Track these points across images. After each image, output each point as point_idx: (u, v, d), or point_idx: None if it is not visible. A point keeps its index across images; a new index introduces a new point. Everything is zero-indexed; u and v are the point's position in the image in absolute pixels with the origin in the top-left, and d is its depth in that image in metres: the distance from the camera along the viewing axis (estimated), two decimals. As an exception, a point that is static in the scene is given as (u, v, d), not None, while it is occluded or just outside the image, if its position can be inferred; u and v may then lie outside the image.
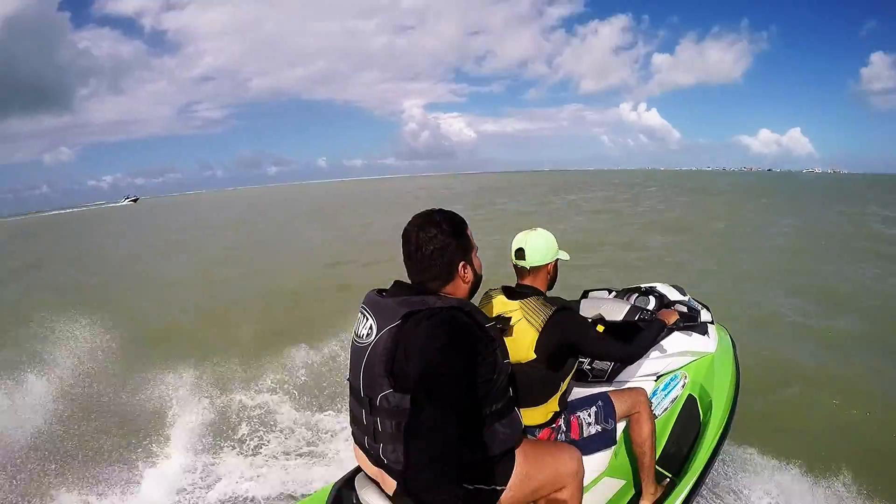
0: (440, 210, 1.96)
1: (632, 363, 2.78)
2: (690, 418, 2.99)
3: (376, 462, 1.88)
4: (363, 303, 1.93)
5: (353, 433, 2.00)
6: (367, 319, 1.85)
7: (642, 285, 3.68)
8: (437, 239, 1.87)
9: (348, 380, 1.94)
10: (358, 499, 2.01)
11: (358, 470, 2.12)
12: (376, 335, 1.79)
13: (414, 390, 1.66)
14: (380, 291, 1.94)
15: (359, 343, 1.87)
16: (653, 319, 2.86)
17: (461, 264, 1.92)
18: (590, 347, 2.40)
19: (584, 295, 3.64)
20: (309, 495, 2.28)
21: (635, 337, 2.58)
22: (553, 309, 2.32)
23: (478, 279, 2.03)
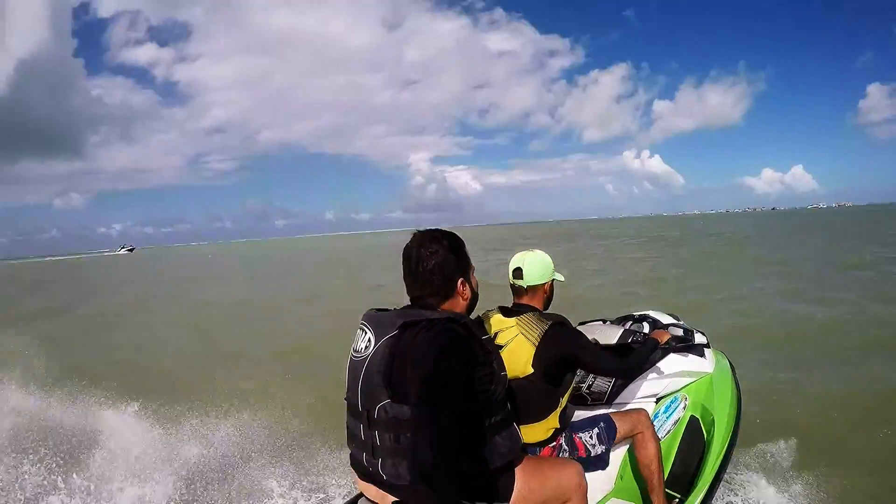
0: (438, 230, 2.02)
1: (628, 379, 2.78)
2: (694, 439, 2.97)
3: (375, 481, 1.87)
4: (362, 319, 1.95)
5: (351, 454, 1.99)
6: (366, 333, 1.88)
7: (635, 312, 3.70)
8: (438, 254, 1.91)
9: (346, 398, 1.95)
10: None
11: (360, 496, 2.10)
12: (374, 346, 1.81)
13: (413, 399, 1.68)
14: (378, 310, 1.97)
15: (356, 357, 1.88)
16: (646, 339, 2.88)
17: (460, 281, 1.97)
18: (587, 359, 2.42)
19: (579, 325, 3.63)
20: None
21: (631, 353, 2.61)
22: (549, 323, 2.37)
23: (475, 297, 2.07)
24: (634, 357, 2.59)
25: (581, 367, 2.50)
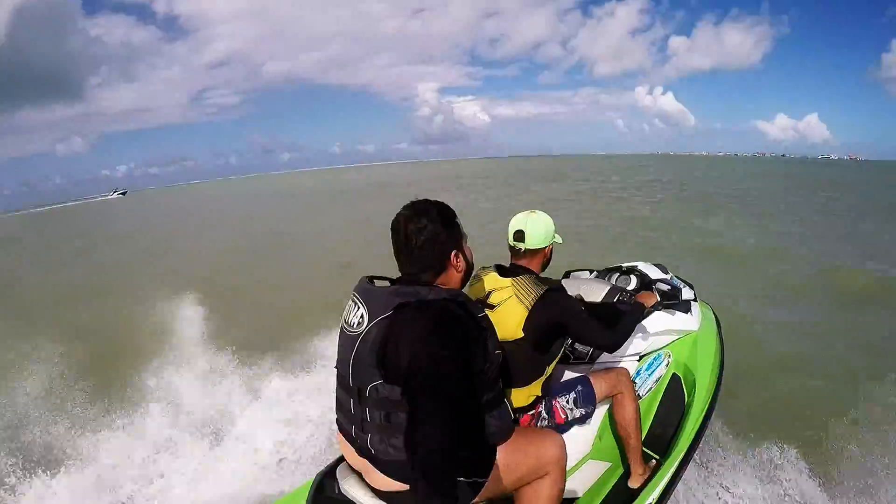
0: (429, 200, 1.95)
1: (613, 352, 2.72)
2: (675, 398, 3.01)
3: (362, 452, 1.89)
4: (354, 290, 1.91)
5: (337, 421, 2.01)
6: (359, 308, 1.83)
7: (623, 265, 3.68)
8: (428, 229, 1.86)
9: (336, 367, 1.94)
10: (339, 489, 2.02)
11: (341, 460, 2.13)
12: (367, 325, 1.78)
13: (408, 384, 1.67)
14: (371, 279, 1.93)
15: (349, 331, 1.85)
16: (632, 303, 2.86)
17: (453, 253, 1.91)
18: (578, 329, 2.40)
19: (566, 275, 3.64)
20: (297, 488, 2.30)
21: (619, 324, 2.57)
22: (545, 288, 2.33)
23: (469, 268, 2.02)
24: (622, 328, 2.56)
25: (570, 336, 2.48)
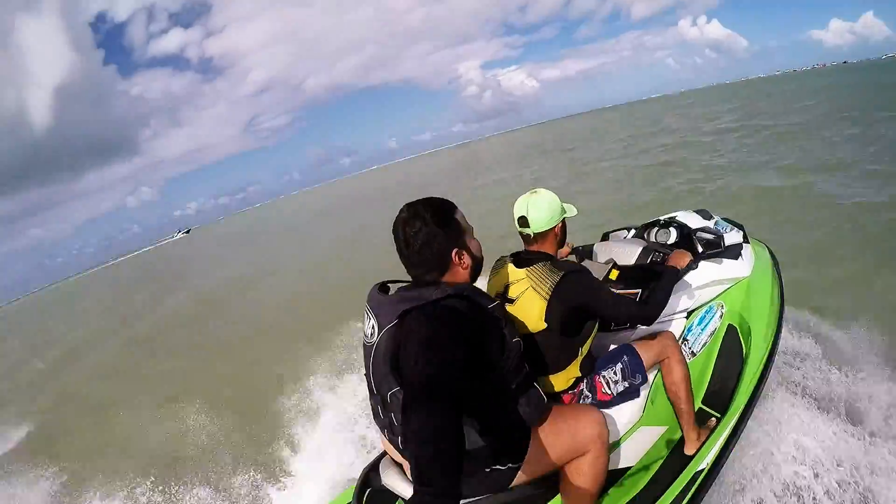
0: (425, 201, 1.93)
1: (650, 324, 2.54)
2: (733, 350, 2.87)
3: (398, 450, 2.00)
4: (367, 301, 1.93)
5: (377, 423, 2.07)
6: (370, 318, 1.88)
7: (661, 217, 3.51)
8: (424, 232, 1.85)
9: (366, 374, 1.98)
10: (382, 481, 2.13)
11: (384, 454, 2.23)
12: (378, 335, 1.83)
13: (406, 386, 1.66)
14: (382, 285, 1.96)
15: (366, 342, 1.91)
16: (666, 267, 2.69)
17: (454, 252, 1.90)
18: (603, 310, 2.32)
19: (604, 237, 3.53)
20: (352, 486, 2.41)
21: (652, 293, 2.47)
22: (560, 274, 2.26)
23: (477, 262, 2.00)
24: (655, 299, 2.44)
25: (598, 317, 2.41)
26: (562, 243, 2.56)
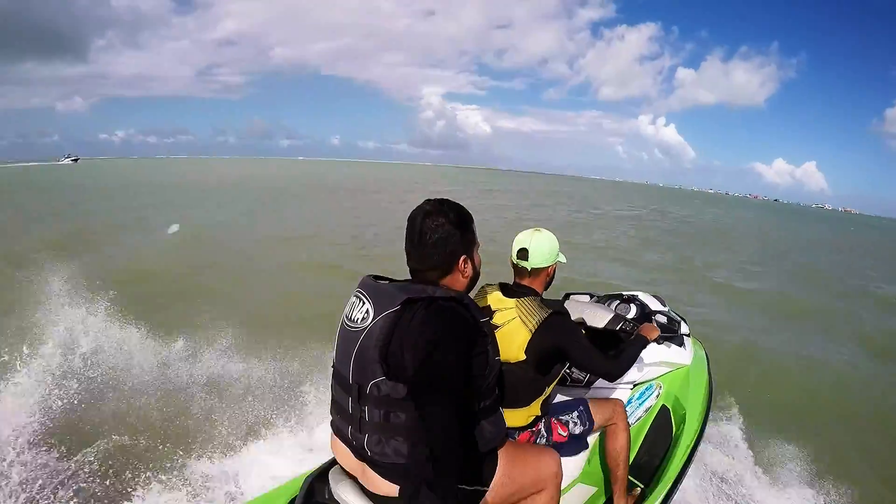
0: (450, 201, 1.96)
1: (612, 380, 2.72)
2: (663, 429, 3.06)
3: (359, 455, 1.86)
4: (359, 286, 1.91)
5: (332, 423, 1.98)
6: (364, 303, 1.82)
7: (624, 293, 3.72)
8: (443, 228, 1.86)
9: (333, 366, 1.92)
10: (331, 493, 1.97)
11: (333, 462, 2.08)
12: (373, 319, 1.76)
13: (413, 381, 1.66)
14: (376, 277, 1.93)
15: (351, 327, 1.83)
16: (636, 335, 2.86)
17: (462, 258, 1.91)
18: (579, 357, 2.42)
19: (566, 297, 3.64)
20: (280, 485, 2.26)
21: (621, 354, 2.62)
22: (549, 312, 2.35)
23: (476, 275, 2.02)
24: (624, 359, 2.60)
25: (570, 362, 2.50)
26: (548, 285, 2.63)
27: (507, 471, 2.04)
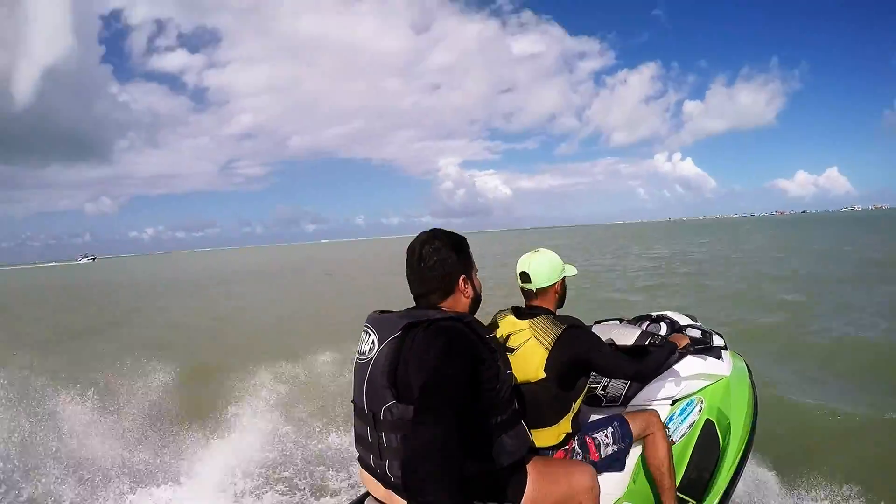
0: (443, 230, 2.06)
1: (644, 382, 2.76)
2: (709, 443, 2.95)
3: (383, 481, 1.89)
4: (366, 322, 2.00)
5: (359, 456, 2.02)
6: (370, 335, 1.92)
7: (653, 313, 3.67)
8: (440, 251, 1.96)
9: (353, 401, 1.97)
10: None
11: (366, 495, 2.11)
12: (378, 348, 1.85)
13: (419, 401, 1.68)
14: (382, 312, 2.01)
15: (361, 360, 1.92)
16: (664, 342, 2.84)
17: (461, 278, 2.00)
18: (602, 363, 2.41)
19: (595, 325, 3.58)
20: None
21: (647, 356, 2.60)
22: (563, 327, 2.36)
23: (477, 297, 2.09)
24: (651, 360, 2.59)
25: (595, 370, 2.49)
26: (562, 300, 2.65)
27: (538, 486, 2.03)
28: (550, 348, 2.32)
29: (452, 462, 1.58)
